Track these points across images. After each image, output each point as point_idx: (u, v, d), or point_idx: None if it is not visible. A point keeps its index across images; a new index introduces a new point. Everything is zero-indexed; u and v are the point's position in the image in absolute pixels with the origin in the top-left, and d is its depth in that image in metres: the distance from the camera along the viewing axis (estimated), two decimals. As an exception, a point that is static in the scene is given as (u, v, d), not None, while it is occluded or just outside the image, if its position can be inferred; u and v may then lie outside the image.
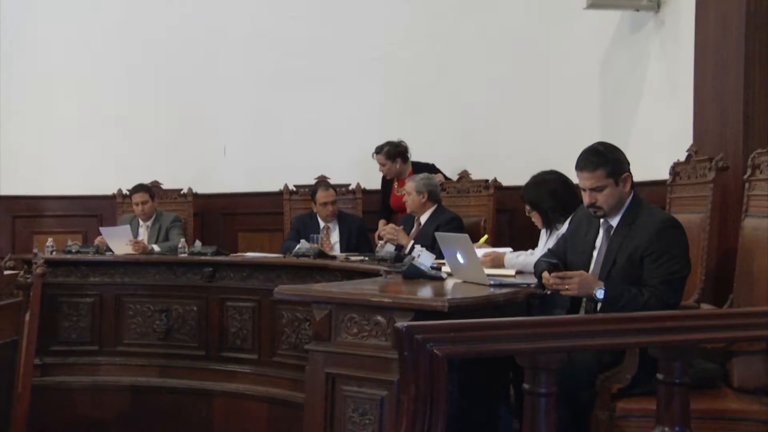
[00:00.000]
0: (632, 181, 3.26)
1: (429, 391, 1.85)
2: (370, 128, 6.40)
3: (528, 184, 4.20)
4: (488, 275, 3.52)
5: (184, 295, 5.57)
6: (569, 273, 3.16)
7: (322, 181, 6.25)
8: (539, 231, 4.34)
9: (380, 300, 3.11)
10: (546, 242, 4.10)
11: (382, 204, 6.31)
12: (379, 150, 6.04)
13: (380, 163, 6.09)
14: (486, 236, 4.84)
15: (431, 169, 5.99)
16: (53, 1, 7.08)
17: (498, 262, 4.11)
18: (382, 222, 6.04)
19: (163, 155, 6.92)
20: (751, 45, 3.92)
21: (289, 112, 6.84)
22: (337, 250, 5.78)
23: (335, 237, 5.94)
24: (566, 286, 3.14)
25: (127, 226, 6.00)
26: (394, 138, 6.07)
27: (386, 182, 6.26)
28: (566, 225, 3.93)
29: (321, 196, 5.90)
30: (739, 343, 3.05)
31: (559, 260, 3.32)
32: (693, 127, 4.32)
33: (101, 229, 6.00)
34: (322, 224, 5.95)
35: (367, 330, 3.08)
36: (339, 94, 6.75)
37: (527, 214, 4.25)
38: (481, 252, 4.08)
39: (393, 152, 6.00)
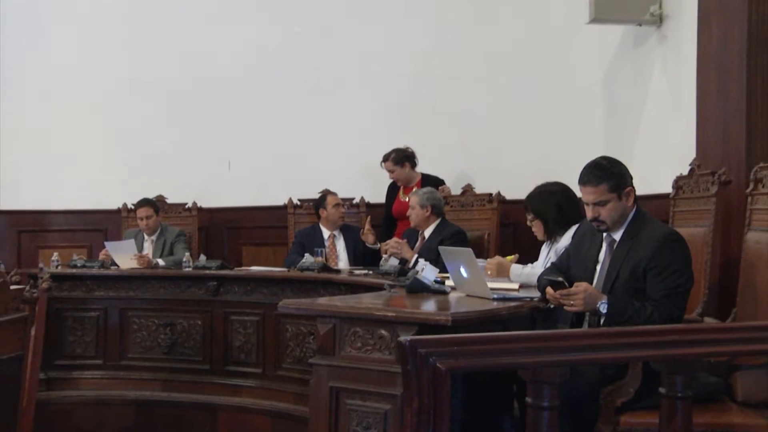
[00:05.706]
0: (635, 195, 3.27)
1: (432, 404, 1.85)
2: (373, 142, 6.39)
3: (532, 194, 4.20)
4: (491, 289, 3.51)
5: (189, 309, 5.56)
6: (573, 290, 3.14)
7: (327, 190, 6.20)
8: (543, 244, 4.33)
9: (384, 314, 3.11)
10: (547, 255, 4.10)
11: (385, 215, 6.28)
12: (386, 158, 6.06)
13: (389, 170, 6.09)
14: (513, 255, 4.40)
15: (440, 182, 6.01)
16: (56, 16, 7.13)
17: (503, 269, 4.09)
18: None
19: (167, 169, 6.94)
20: (753, 59, 3.93)
21: (293, 126, 6.85)
22: (344, 259, 5.80)
23: (341, 245, 5.97)
24: (572, 302, 3.13)
25: (132, 241, 6.01)
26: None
27: (391, 190, 6.26)
28: (565, 238, 3.94)
29: (332, 199, 5.99)
30: (743, 357, 3.05)
31: (563, 275, 3.32)
32: (696, 140, 4.34)
33: (106, 243, 6.00)
34: (327, 234, 5.98)
35: (371, 344, 3.09)
36: (342, 107, 6.77)
37: (528, 223, 4.24)
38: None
39: (400, 157, 6.02)
